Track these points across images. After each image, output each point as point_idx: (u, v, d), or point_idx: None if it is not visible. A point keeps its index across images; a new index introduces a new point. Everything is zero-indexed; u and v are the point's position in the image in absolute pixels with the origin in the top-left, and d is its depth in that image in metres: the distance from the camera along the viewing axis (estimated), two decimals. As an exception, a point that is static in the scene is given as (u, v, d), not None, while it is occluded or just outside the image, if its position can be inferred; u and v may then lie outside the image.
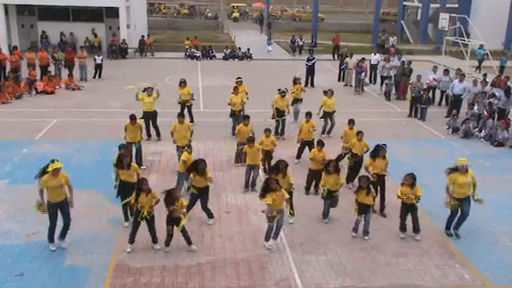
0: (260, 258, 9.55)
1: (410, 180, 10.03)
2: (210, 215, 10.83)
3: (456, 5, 40.16)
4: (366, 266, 9.42)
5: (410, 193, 10.03)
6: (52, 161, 9.33)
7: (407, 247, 10.11)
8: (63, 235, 9.68)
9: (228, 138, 16.27)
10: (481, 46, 29.19)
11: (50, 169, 9.20)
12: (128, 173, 10.36)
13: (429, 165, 14.51)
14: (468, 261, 9.69)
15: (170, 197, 9.34)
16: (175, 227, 9.45)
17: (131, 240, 9.58)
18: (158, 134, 15.98)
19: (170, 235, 9.61)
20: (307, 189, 12.46)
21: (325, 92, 16.82)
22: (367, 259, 9.66)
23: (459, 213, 10.40)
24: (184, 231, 9.60)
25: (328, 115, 16.65)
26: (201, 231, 10.31)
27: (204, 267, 9.21)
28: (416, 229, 10.40)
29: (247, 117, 13.98)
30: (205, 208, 10.75)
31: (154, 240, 9.74)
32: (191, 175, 10.63)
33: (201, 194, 10.63)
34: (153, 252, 9.62)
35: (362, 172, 12.48)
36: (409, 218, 10.39)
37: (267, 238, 9.88)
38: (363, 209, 10.21)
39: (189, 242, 9.72)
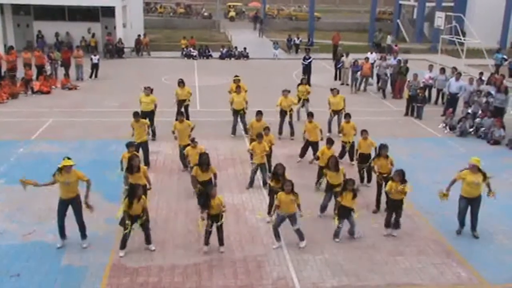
0: (257, 258, 9.54)
1: (398, 177, 10.01)
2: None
3: (452, 4, 40.27)
4: (363, 265, 9.43)
5: (399, 188, 10.00)
6: (64, 158, 9.44)
7: (404, 246, 10.11)
8: (82, 235, 9.76)
9: (228, 137, 16.27)
10: (499, 50, 29.08)
11: (60, 165, 9.30)
12: (138, 176, 10.32)
13: (425, 163, 14.54)
14: (464, 259, 9.70)
15: (207, 196, 9.45)
16: (214, 223, 9.51)
17: (123, 246, 9.48)
18: (154, 134, 15.92)
19: (208, 232, 9.58)
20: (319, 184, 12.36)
21: (331, 90, 16.78)
22: (364, 258, 9.66)
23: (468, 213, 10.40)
24: (221, 229, 9.62)
25: (335, 113, 16.55)
26: (197, 231, 10.27)
27: (201, 267, 9.20)
28: (396, 225, 10.42)
29: (259, 113, 13.90)
30: None
31: (148, 241, 9.70)
32: (194, 169, 10.71)
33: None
34: (150, 252, 9.60)
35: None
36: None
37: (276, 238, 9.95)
38: (345, 213, 10.04)
39: (221, 242, 9.70)
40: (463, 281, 9.03)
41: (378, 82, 23.94)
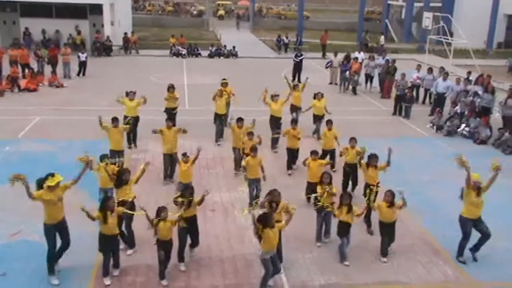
0: (245, 257, 9.55)
1: (389, 197, 9.37)
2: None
3: (440, 4, 40.59)
4: (351, 263, 9.46)
5: (389, 211, 9.45)
6: (52, 175, 8.31)
7: (391, 245, 10.16)
8: (59, 255, 8.76)
9: (212, 143, 16.22)
10: None
11: (48, 184, 8.16)
12: (126, 190, 9.36)
13: (413, 163, 14.64)
14: (452, 258, 9.79)
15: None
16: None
17: (106, 273, 8.62)
18: (134, 140, 15.22)
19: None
20: (309, 199, 11.61)
21: (315, 95, 16.47)
22: (352, 257, 9.69)
23: (472, 234, 9.72)
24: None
25: (318, 119, 16.23)
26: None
27: (189, 266, 9.18)
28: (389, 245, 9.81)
29: (240, 119, 13.29)
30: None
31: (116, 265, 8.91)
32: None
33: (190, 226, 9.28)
34: (138, 252, 9.55)
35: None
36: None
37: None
38: (344, 229, 9.53)
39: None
40: (450, 279, 9.13)
41: (366, 82, 24.05)
